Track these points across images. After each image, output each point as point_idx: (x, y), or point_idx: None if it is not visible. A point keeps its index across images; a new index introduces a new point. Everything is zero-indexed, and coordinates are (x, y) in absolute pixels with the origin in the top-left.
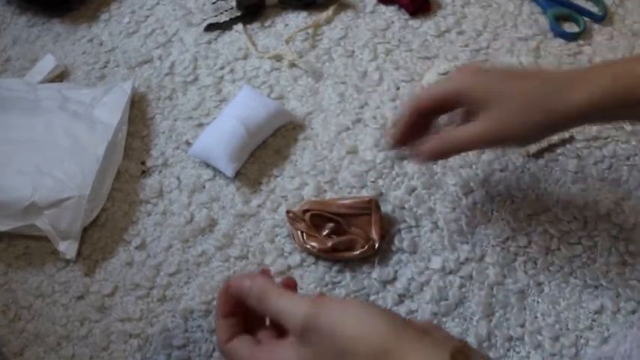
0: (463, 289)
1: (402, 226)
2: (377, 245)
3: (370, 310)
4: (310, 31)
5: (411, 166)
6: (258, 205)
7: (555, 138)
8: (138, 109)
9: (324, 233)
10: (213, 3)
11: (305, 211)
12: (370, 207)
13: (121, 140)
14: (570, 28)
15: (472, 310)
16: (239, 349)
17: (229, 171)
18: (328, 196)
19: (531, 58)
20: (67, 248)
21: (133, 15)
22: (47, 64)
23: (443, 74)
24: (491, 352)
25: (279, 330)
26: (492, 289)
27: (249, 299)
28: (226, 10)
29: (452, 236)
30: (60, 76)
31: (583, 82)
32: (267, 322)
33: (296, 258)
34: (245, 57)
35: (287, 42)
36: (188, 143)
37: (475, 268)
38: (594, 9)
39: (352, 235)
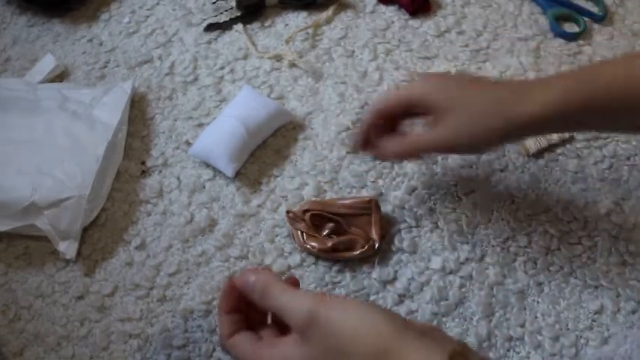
0: (463, 289)
1: (402, 226)
2: (377, 245)
3: (370, 310)
4: (310, 31)
5: (411, 166)
6: (258, 205)
7: (555, 138)
8: (138, 109)
9: (324, 233)
10: (213, 3)
11: (305, 211)
12: (370, 207)
13: (120, 140)
14: (570, 28)
15: (472, 310)
16: (241, 345)
17: (229, 171)
18: (328, 196)
19: (531, 58)
20: (67, 248)
21: (133, 15)
22: (47, 64)
23: None
24: (492, 352)
25: (281, 329)
26: (492, 289)
27: (253, 294)
28: (226, 10)
29: (452, 236)
30: (60, 76)
31: (536, 93)
32: (269, 321)
33: (296, 258)
34: (245, 57)
35: (287, 42)
36: (188, 143)
37: (475, 268)
38: (594, 9)
39: (352, 235)
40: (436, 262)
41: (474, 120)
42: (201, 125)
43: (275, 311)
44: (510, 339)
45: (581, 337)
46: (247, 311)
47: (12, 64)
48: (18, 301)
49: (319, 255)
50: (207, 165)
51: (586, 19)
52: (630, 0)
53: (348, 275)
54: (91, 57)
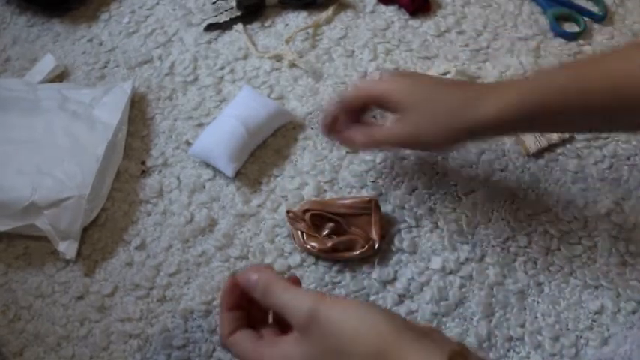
0: (463, 289)
1: (402, 226)
2: (377, 245)
3: (370, 311)
4: (310, 31)
5: (411, 166)
6: (258, 205)
7: (555, 138)
8: (138, 109)
9: (324, 233)
10: (213, 3)
11: (305, 211)
12: (370, 207)
13: (120, 140)
14: (570, 28)
15: (472, 310)
16: (241, 343)
17: (229, 171)
18: (328, 196)
19: (531, 58)
20: (67, 248)
21: (132, 15)
22: (47, 64)
23: (443, 74)
24: (492, 353)
25: (282, 328)
26: (492, 289)
27: (255, 292)
28: (226, 10)
29: (452, 236)
30: (60, 76)
31: (492, 97)
32: (270, 320)
33: (296, 258)
34: (245, 57)
35: (287, 42)
36: (188, 143)
37: (475, 268)
38: (594, 9)
39: (352, 235)
40: (436, 262)
41: (436, 120)
42: (201, 125)
43: (276, 309)
44: (510, 339)
45: (581, 337)
46: (249, 309)
47: (12, 64)
48: (18, 301)
49: (319, 255)
50: (207, 165)
51: (586, 19)
52: (630, 0)
53: (348, 275)
54: (91, 57)
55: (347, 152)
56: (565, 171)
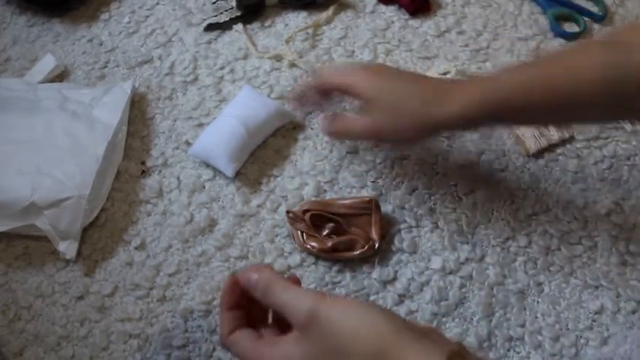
0: (463, 290)
1: (402, 226)
2: (377, 245)
3: (371, 311)
4: (310, 31)
5: (411, 166)
6: (258, 205)
7: (555, 138)
8: (138, 109)
9: (324, 233)
10: (213, 3)
11: (305, 211)
12: (370, 207)
13: (120, 140)
14: (570, 28)
15: (472, 311)
16: (241, 342)
17: (229, 171)
18: (328, 196)
19: (531, 58)
20: (67, 248)
21: (132, 15)
22: (47, 63)
23: (443, 74)
24: (492, 353)
25: (281, 328)
26: (492, 289)
27: (255, 291)
28: (226, 10)
29: (452, 236)
30: (60, 76)
31: (456, 95)
32: (270, 320)
33: (296, 258)
34: (245, 57)
35: (287, 42)
36: (188, 143)
37: (475, 268)
38: (594, 9)
39: (352, 235)
40: (436, 262)
41: (400, 115)
42: (201, 125)
43: (276, 308)
44: (510, 339)
45: (581, 337)
46: (249, 309)
47: (12, 64)
48: (18, 301)
49: (319, 255)
50: (207, 165)
51: (586, 19)
52: (630, 0)
53: (348, 275)
54: (90, 57)
55: (347, 152)
56: (565, 171)
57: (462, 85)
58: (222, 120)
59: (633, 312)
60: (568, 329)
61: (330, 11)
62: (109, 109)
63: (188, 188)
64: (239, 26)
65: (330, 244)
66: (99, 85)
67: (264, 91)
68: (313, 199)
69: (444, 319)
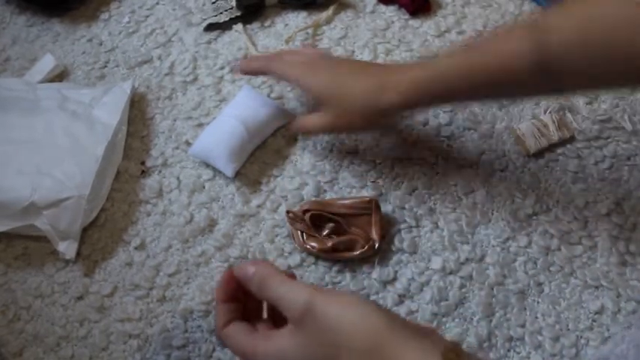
0: (463, 290)
1: (402, 226)
2: (377, 245)
3: (367, 306)
4: (310, 31)
5: (411, 166)
6: (258, 205)
7: (556, 138)
8: (137, 109)
9: (324, 233)
10: (213, 3)
11: (305, 211)
12: (370, 207)
13: (120, 140)
14: None
15: (472, 311)
16: (236, 335)
17: (229, 171)
18: (328, 196)
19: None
20: (67, 248)
21: (132, 15)
22: (46, 63)
23: None
24: (492, 353)
25: (275, 324)
26: (492, 289)
27: (251, 285)
28: (226, 10)
29: (452, 236)
30: (59, 76)
31: (394, 83)
32: (265, 315)
33: (296, 258)
34: (245, 57)
35: (287, 42)
36: (188, 143)
37: (475, 268)
38: None
39: (352, 235)
40: (436, 262)
41: (351, 111)
42: (201, 125)
43: (272, 302)
44: (511, 339)
45: (581, 337)
46: (245, 302)
47: (11, 63)
48: (17, 301)
49: (319, 255)
50: (207, 165)
51: None
52: None
53: (348, 275)
54: (90, 57)
55: (347, 152)
56: (565, 171)
57: (400, 71)
58: (222, 120)
59: (633, 312)
60: (568, 329)
61: (330, 11)
62: (108, 109)
63: (188, 188)
64: (239, 26)
65: (330, 244)
66: (99, 85)
67: (264, 91)
68: (313, 199)
69: (444, 319)
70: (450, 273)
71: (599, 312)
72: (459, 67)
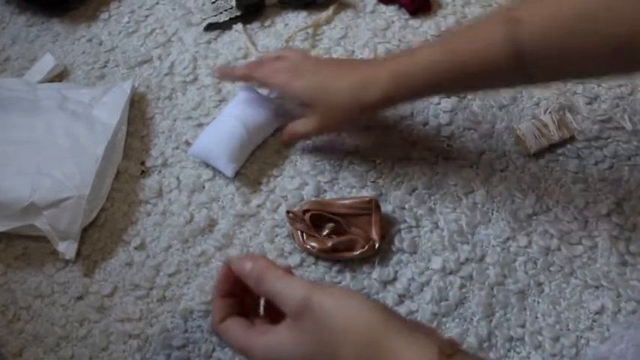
0: (463, 290)
1: (402, 226)
2: (377, 245)
3: (364, 301)
4: (310, 30)
5: (411, 166)
6: (258, 205)
7: (556, 138)
8: (137, 109)
9: (324, 233)
10: (213, 2)
11: (305, 211)
12: (370, 207)
13: (120, 140)
14: None
15: (472, 311)
16: (232, 330)
17: (229, 171)
18: (328, 196)
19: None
20: (67, 248)
21: (132, 15)
22: (46, 63)
23: None
24: (492, 353)
25: (272, 320)
26: (493, 289)
27: (249, 280)
28: (226, 10)
29: (452, 236)
30: (59, 76)
31: (375, 80)
32: (262, 312)
33: (296, 258)
34: (245, 57)
35: (287, 42)
36: (188, 143)
37: (475, 268)
38: None
39: (352, 235)
40: (436, 262)
41: (338, 112)
42: (200, 125)
43: (270, 297)
44: (511, 339)
45: (581, 337)
46: (242, 297)
47: (11, 63)
48: (17, 301)
49: (319, 255)
50: (207, 165)
51: None
52: None
53: (348, 275)
54: (90, 57)
55: (347, 152)
56: (565, 171)
57: (380, 68)
58: (222, 120)
59: (633, 312)
60: (568, 329)
61: (330, 11)
62: (108, 109)
63: (188, 188)
64: (239, 26)
65: (330, 244)
66: (98, 84)
67: (264, 91)
68: (313, 199)
69: (444, 320)
70: (450, 273)
71: (600, 312)
72: (437, 58)
